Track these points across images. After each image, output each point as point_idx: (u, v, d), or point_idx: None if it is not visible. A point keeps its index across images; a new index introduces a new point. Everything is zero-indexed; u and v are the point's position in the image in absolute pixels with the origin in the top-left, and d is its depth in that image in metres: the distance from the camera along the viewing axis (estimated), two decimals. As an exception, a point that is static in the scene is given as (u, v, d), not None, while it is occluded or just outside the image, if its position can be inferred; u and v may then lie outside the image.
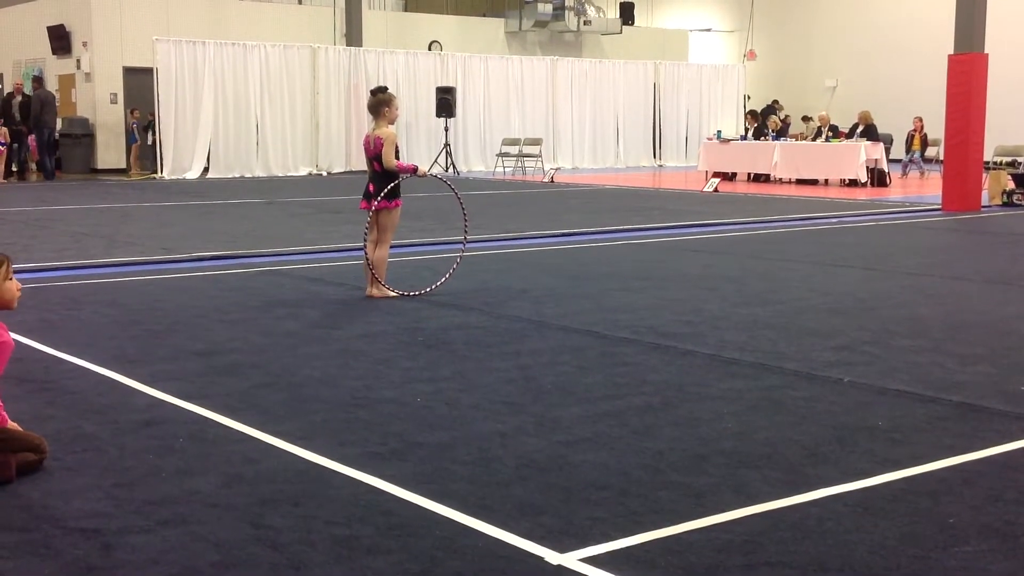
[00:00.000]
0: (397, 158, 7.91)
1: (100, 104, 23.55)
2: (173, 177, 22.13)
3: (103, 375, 5.63)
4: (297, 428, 4.66)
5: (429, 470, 4.13)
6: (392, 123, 8.00)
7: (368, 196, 7.97)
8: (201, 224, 13.37)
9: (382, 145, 7.82)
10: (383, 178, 7.90)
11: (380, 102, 7.95)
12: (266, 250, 10.66)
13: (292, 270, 9.51)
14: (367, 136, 8.04)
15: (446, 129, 24.27)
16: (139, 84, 23.14)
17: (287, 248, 10.84)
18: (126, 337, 6.62)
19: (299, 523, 3.58)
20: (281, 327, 6.94)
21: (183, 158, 22.58)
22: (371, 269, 7.92)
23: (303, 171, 23.93)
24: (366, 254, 7.96)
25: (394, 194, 7.95)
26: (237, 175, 22.92)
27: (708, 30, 35.07)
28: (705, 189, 19.52)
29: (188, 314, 7.38)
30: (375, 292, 8.00)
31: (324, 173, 24.02)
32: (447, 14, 30.21)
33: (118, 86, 23.76)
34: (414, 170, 7.99)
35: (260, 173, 23.33)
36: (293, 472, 4.11)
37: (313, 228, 12.90)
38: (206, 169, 22.80)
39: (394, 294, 7.98)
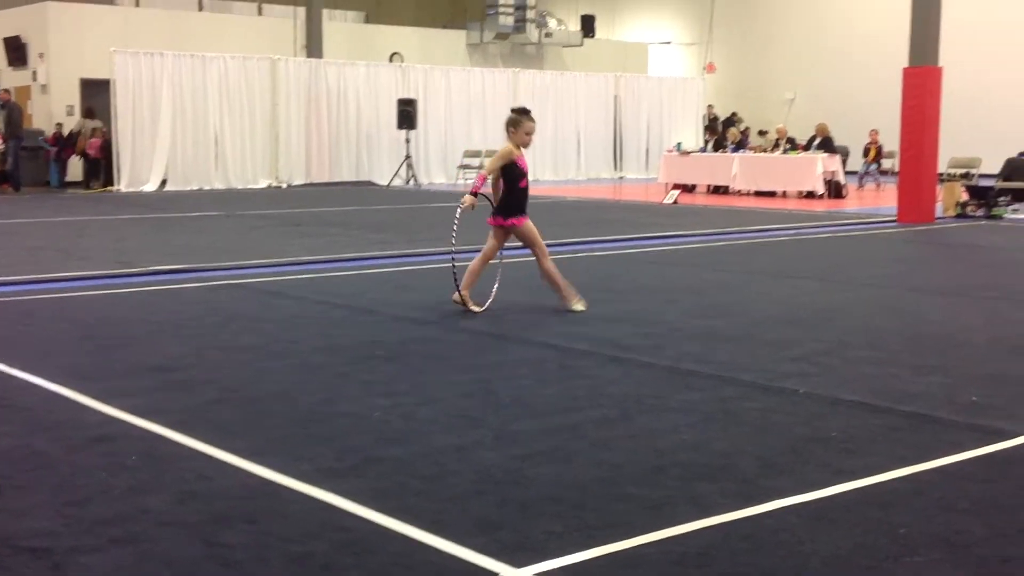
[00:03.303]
0: (520, 178, 7.84)
1: (57, 116, 23.28)
2: (130, 190, 21.92)
3: (55, 391, 5.56)
4: (252, 444, 4.62)
5: (385, 485, 4.11)
6: (523, 146, 7.88)
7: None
8: (158, 237, 13.25)
9: None
10: (505, 194, 7.87)
11: (508, 122, 7.93)
12: (224, 263, 10.58)
13: (251, 283, 9.45)
14: None
15: (407, 141, 24.24)
16: (96, 96, 22.92)
17: (246, 261, 10.76)
18: (80, 352, 6.54)
19: (253, 540, 3.56)
20: (238, 341, 6.89)
21: (141, 170, 22.35)
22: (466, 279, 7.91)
23: (263, 183, 23.79)
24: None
25: (503, 210, 7.87)
26: (196, 187, 22.74)
27: (668, 43, 35.33)
28: (665, 201, 19.64)
29: (143, 329, 7.31)
30: (563, 303, 7.99)
31: (284, 185, 23.90)
32: (408, 26, 30.22)
33: (75, 98, 23.52)
34: (472, 192, 7.78)
35: (219, 185, 23.16)
36: (247, 489, 4.07)
37: (272, 241, 12.82)
38: (164, 182, 22.59)
39: (579, 308, 7.93)
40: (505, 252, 8.30)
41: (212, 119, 23.13)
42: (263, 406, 5.28)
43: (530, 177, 8.06)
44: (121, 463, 4.37)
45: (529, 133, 7.89)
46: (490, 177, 7.93)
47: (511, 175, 7.88)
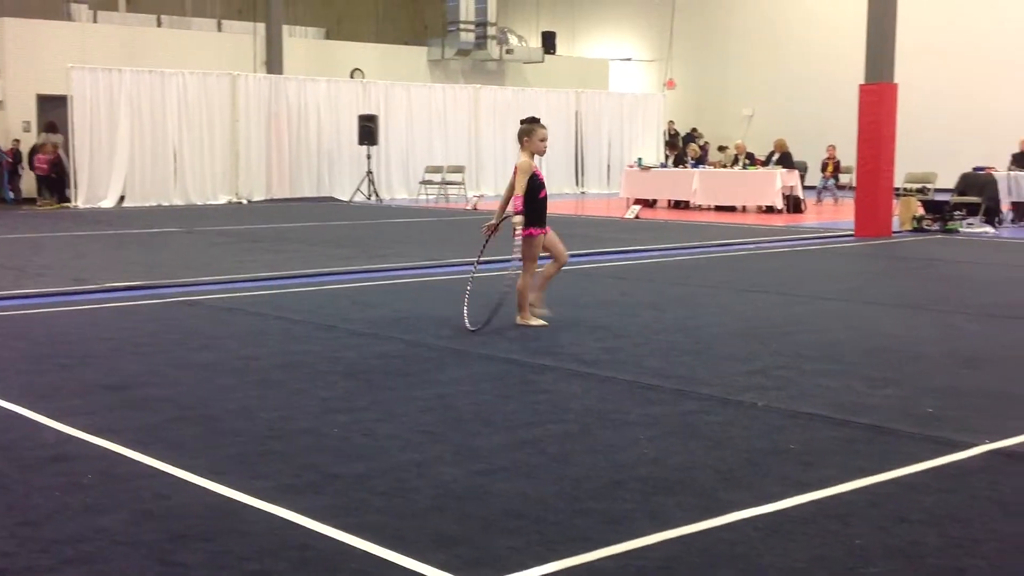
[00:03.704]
0: (539, 189, 7.81)
1: (13, 132, 23.03)
2: (88, 206, 21.71)
3: (10, 410, 5.48)
4: (210, 462, 4.58)
5: (345, 502, 4.09)
6: (539, 154, 7.84)
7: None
8: (116, 254, 13.13)
9: (515, 173, 7.78)
10: (524, 205, 7.79)
11: (521, 132, 7.88)
12: (183, 280, 10.50)
13: (209, 300, 9.37)
14: None
15: (368, 157, 24.21)
16: (54, 112, 22.69)
17: (205, 277, 10.68)
18: (35, 371, 6.46)
19: (210, 559, 3.52)
20: (196, 359, 6.83)
21: (98, 186, 22.16)
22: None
23: (222, 199, 23.65)
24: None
25: (525, 222, 7.80)
26: (154, 204, 22.56)
27: (628, 59, 35.57)
28: (627, 216, 19.74)
29: (100, 347, 7.23)
30: (518, 319, 7.98)
31: (244, 201, 23.77)
32: (369, 42, 30.20)
33: (31, 114, 23.28)
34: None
35: (178, 201, 22.99)
36: (205, 507, 4.04)
37: (231, 257, 12.74)
38: (122, 198, 22.40)
39: (536, 323, 7.94)
40: (461, 268, 8.27)
41: (171, 135, 22.99)
42: (221, 423, 5.24)
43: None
44: (77, 482, 4.31)
45: (543, 140, 7.87)
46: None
47: (530, 187, 7.83)
